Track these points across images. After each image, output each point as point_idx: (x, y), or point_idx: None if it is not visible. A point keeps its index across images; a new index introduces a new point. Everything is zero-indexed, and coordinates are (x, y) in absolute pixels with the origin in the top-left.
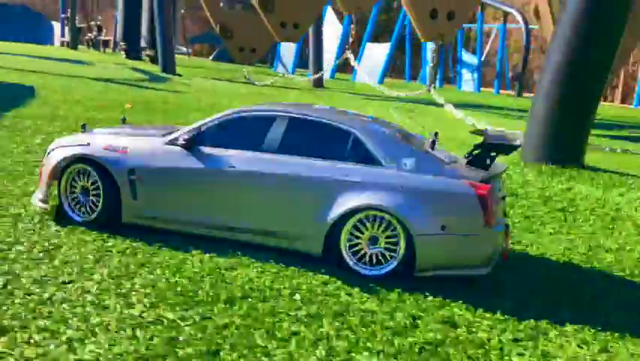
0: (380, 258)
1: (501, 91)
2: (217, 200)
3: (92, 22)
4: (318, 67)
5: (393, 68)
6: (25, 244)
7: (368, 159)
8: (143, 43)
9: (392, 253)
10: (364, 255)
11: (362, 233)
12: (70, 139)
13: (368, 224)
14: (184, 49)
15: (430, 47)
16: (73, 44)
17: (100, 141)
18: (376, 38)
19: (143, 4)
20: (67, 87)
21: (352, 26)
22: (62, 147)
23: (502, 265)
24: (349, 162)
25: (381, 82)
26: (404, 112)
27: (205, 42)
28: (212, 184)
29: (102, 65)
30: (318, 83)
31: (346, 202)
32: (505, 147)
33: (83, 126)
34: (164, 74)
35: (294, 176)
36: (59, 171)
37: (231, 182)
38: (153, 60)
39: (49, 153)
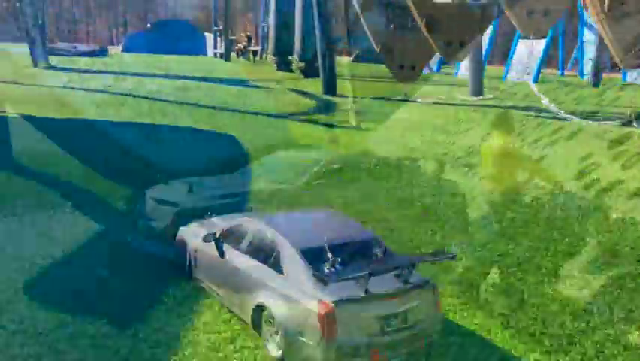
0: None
1: None
2: (213, 274)
3: (242, 34)
4: (478, 83)
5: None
6: None
7: (280, 267)
8: (294, 54)
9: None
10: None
11: (271, 321)
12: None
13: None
14: None
15: (587, 37)
16: (226, 56)
17: (192, 228)
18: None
19: (295, 14)
20: (261, 135)
21: None
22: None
23: None
24: (272, 267)
25: (536, 80)
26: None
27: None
28: (211, 264)
29: (266, 88)
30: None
31: (258, 297)
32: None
33: (210, 214)
34: (326, 97)
35: (242, 269)
36: (181, 243)
37: (219, 265)
38: (304, 72)
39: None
